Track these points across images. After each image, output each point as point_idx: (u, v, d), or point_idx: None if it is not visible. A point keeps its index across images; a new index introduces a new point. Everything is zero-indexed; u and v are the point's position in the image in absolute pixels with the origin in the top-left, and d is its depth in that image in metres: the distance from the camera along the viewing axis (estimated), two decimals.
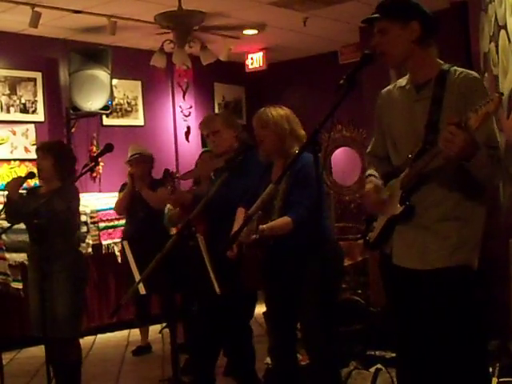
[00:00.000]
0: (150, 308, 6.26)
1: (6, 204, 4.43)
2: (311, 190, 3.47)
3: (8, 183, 4.47)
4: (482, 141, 2.62)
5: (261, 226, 3.45)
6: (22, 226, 4.69)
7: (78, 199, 4.50)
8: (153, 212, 5.89)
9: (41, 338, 4.35)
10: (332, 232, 3.84)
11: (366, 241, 3.12)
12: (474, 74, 2.88)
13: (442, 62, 2.93)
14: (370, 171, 3.14)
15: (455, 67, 2.89)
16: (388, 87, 3.12)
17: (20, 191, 4.42)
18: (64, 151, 4.56)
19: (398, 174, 2.96)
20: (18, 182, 4.45)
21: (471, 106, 2.65)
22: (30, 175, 4.56)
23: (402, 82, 3.04)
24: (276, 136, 3.69)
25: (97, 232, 7.23)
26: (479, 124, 2.48)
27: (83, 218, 6.79)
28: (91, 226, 7.16)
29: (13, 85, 7.48)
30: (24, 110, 7.56)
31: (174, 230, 5.94)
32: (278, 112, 3.75)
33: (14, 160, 7.44)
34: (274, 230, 3.52)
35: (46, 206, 4.22)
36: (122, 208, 6.23)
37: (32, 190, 4.66)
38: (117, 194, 6.32)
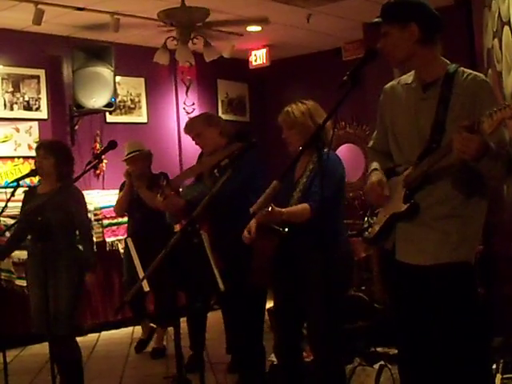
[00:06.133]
0: (145, 303, 6.21)
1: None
2: (332, 184, 3.51)
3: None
4: (493, 142, 2.62)
5: (279, 209, 3.45)
6: None
7: (78, 198, 4.49)
8: (152, 211, 5.48)
9: (41, 335, 4.38)
10: (346, 232, 3.84)
11: (364, 237, 3.15)
12: (483, 76, 2.87)
13: (448, 62, 2.92)
14: (375, 165, 3.13)
15: (462, 68, 2.88)
16: (391, 83, 3.11)
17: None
18: (64, 151, 4.57)
19: (399, 172, 2.96)
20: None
21: (481, 108, 2.66)
22: (32, 173, 4.58)
23: (408, 79, 3.02)
24: (302, 136, 3.70)
25: (100, 229, 7.23)
26: (494, 129, 2.49)
27: None
28: (95, 223, 7.15)
29: (16, 82, 7.46)
30: (27, 108, 7.55)
31: (177, 227, 5.88)
32: (301, 110, 3.77)
33: (18, 157, 7.42)
34: (292, 216, 3.53)
35: (49, 205, 4.24)
36: (122, 209, 6.06)
37: (30, 190, 4.66)
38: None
